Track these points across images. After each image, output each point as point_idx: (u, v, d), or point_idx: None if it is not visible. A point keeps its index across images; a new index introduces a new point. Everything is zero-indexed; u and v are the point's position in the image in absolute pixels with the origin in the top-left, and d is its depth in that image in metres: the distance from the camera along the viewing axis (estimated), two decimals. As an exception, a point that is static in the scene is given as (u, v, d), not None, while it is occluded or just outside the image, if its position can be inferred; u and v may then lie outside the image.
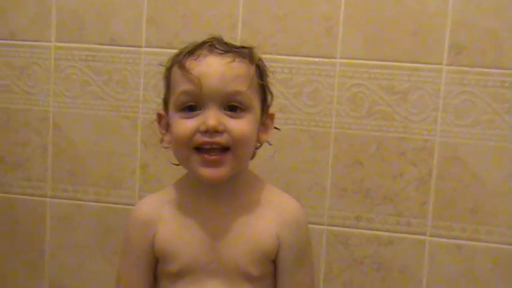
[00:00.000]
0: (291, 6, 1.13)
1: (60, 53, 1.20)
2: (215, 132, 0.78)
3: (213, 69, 0.78)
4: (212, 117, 0.78)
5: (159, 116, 0.86)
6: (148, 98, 1.18)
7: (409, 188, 1.12)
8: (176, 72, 0.81)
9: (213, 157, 0.79)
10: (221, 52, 0.80)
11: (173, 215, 0.84)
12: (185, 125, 0.79)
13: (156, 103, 1.17)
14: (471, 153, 1.10)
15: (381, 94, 1.11)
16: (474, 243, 1.11)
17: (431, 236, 1.12)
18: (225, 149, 0.79)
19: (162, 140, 0.87)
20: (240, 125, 0.79)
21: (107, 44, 1.19)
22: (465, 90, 1.09)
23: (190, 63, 0.79)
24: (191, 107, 0.79)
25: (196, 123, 0.79)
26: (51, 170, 1.23)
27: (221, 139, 0.78)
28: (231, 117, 0.79)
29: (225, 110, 0.79)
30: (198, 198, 0.84)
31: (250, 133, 0.81)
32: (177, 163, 0.85)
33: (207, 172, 0.79)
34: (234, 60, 0.79)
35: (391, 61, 1.10)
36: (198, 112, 0.79)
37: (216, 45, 0.81)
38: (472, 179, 1.10)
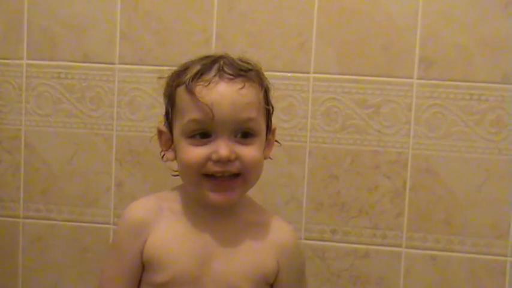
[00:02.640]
0: (264, 21, 1.14)
1: (32, 71, 1.19)
2: (227, 162, 0.78)
3: (224, 97, 0.78)
4: (224, 146, 0.78)
5: (160, 132, 0.86)
6: (123, 115, 1.17)
7: (384, 200, 1.13)
8: (184, 96, 0.80)
9: (224, 183, 0.79)
10: (231, 77, 0.79)
11: (169, 222, 0.83)
12: (196, 152, 0.79)
13: (130, 120, 1.17)
14: (443, 165, 1.12)
15: (354, 108, 1.13)
16: (448, 253, 1.13)
17: (406, 247, 1.13)
18: (235, 174, 0.80)
19: (162, 156, 0.86)
20: (251, 152, 0.80)
21: (80, 61, 1.18)
22: (436, 103, 1.11)
23: (200, 90, 0.78)
24: (201, 134, 0.79)
25: (207, 151, 0.78)
26: (24, 189, 1.21)
27: (232, 168, 0.79)
28: (242, 144, 0.80)
29: (235, 137, 0.79)
30: (196, 210, 0.84)
31: (260, 158, 0.82)
32: (174, 175, 0.86)
33: (217, 197, 0.80)
34: (244, 86, 0.79)
35: (364, 75, 1.12)
36: (208, 139, 0.79)
37: (224, 68, 0.80)
38: (445, 191, 1.12)
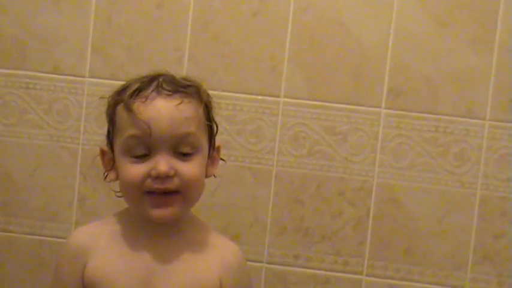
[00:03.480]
0: (237, 43, 1.14)
1: (-1, 80, 1.17)
2: (167, 178, 0.77)
3: (162, 113, 0.78)
4: (163, 163, 0.77)
5: (103, 152, 0.85)
6: (90, 130, 1.16)
7: (347, 227, 1.14)
8: (122, 113, 0.80)
9: (164, 200, 0.79)
10: (169, 93, 0.79)
11: (109, 246, 0.82)
12: (135, 170, 0.78)
13: (97, 134, 1.16)
14: (407, 194, 1.13)
15: (322, 134, 1.14)
16: (408, 283, 1.13)
17: (367, 275, 1.14)
18: (174, 191, 0.79)
19: (105, 177, 0.86)
20: (191, 169, 0.79)
21: (49, 72, 1.16)
22: (402, 134, 1.13)
23: (138, 106, 0.78)
24: (140, 151, 0.79)
25: (146, 168, 0.78)
26: (-17, 200, 1.18)
27: (171, 185, 0.78)
28: (182, 160, 0.79)
29: (174, 152, 0.79)
30: (138, 232, 0.83)
31: (200, 175, 0.81)
32: (119, 196, 0.85)
33: (158, 212, 0.79)
34: (182, 102, 0.79)
35: (333, 102, 1.13)
36: (148, 157, 0.78)
37: (163, 85, 0.80)
38: (407, 220, 1.13)
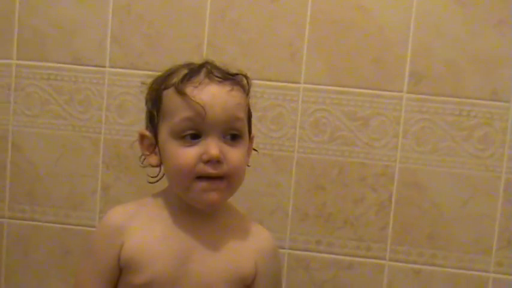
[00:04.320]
0: (256, 30, 1.13)
1: (21, 71, 1.18)
2: (217, 162, 0.79)
3: (216, 98, 0.79)
4: (214, 146, 0.79)
5: (142, 137, 0.86)
6: (111, 119, 1.17)
7: (369, 212, 1.14)
8: (173, 97, 0.81)
9: (213, 184, 0.80)
10: (220, 80, 0.81)
11: (146, 225, 0.83)
12: (187, 154, 0.79)
13: (119, 124, 1.17)
14: (430, 179, 1.12)
15: (343, 120, 1.13)
16: (431, 268, 1.13)
17: (390, 260, 1.14)
18: (221, 177, 0.81)
19: (143, 161, 0.87)
20: (237, 155, 0.81)
21: (70, 63, 1.17)
22: (424, 118, 1.11)
23: (192, 91, 0.79)
24: (192, 135, 0.80)
25: (197, 152, 0.79)
26: (9, 190, 1.20)
27: (221, 170, 0.80)
28: (229, 145, 0.81)
29: (224, 138, 0.80)
30: (175, 214, 0.84)
31: (244, 162, 0.84)
32: (152, 182, 0.87)
33: (207, 198, 0.80)
34: (233, 89, 0.81)
35: (353, 87, 1.12)
36: (198, 140, 0.80)
37: (213, 71, 0.82)
38: (430, 205, 1.12)
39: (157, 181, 0.88)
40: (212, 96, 0.79)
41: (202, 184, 0.80)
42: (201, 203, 0.81)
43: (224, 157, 0.79)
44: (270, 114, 1.14)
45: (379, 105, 1.12)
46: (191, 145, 0.80)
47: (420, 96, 1.11)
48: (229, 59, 1.14)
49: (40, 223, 1.20)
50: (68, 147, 1.18)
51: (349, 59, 1.12)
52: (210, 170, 0.79)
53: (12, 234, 1.21)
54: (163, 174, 0.87)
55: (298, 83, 1.13)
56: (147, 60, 1.15)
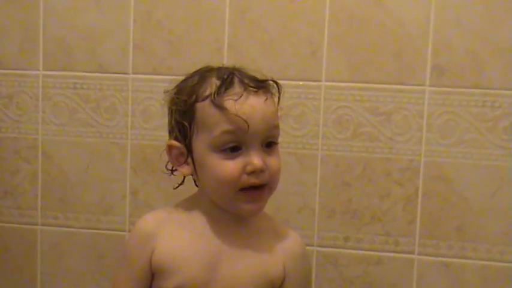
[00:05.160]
0: (275, 30, 1.14)
1: (48, 81, 1.21)
2: (260, 172, 0.80)
3: (256, 110, 0.80)
4: (258, 157, 0.80)
5: (170, 148, 0.86)
6: (137, 124, 1.19)
7: (396, 207, 1.14)
8: (210, 110, 0.81)
9: (257, 194, 0.82)
10: (255, 90, 0.82)
11: (176, 231, 0.85)
12: (230, 167, 0.80)
13: (144, 129, 1.19)
14: (456, 172, 1.11)
15: (366, 116, 1.13)
16: (461, 260, 1.13)
17: (419, 254, 1.14)
18: (262, 185, 0.82)
19: (172, 171, 0.89)
20: (275, 161, 0.83)
21: (95, 72, 1.20)
22: (448, 111, 1.11)
23: (232, 105, 0.79)
24: (233, 148, 0.81)
25: (241, 164, 0.80)
26: (41, 197, 1.23)
27: (264, 179, 0.81)
28: (267, 153, 0.82)
29: (262, 147, 0.82)
30: (204, 218, 0.86)
31: (281, 167, 0.85)
32: (175, 187, 0.89)
33: (250, 208, 0.82)
34: (267, 98, 0.82)
35: (375, 83, 1.12)
36: (238, 152, 0.81)
37: (245, 81, 0.82)
38: (457, 198, 1.12)
39: (180, 185, 0.90)
40: (252, 109, 0.80)
41: (247, 195, 0.81)
42: (245, 212, 0.83)
43: (266, 166, 0.81)
44: (293, 113, 1.15)
45: (401, 99, 1.12)
46: (233, 157, 0.80)
47: (443, 89, 1.11)
48: (250, 60, 1.15)
49: (73, 229, 1.23)
50: (96, 154, 1.21)
51: (369, 54, 1.12)
52: (254, 180, 0.80)
53: (46, 240, 1.24)
54: (183, 180, 0.89)
55: (320, 81, 1.14)
56: (169, 65, 1.17)
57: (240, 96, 0.80)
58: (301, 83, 1.14)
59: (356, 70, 1.13)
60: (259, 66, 1.14)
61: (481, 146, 1.11)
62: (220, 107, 0.80)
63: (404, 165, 1.13)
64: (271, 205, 1.13)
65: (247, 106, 0.80)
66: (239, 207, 0.82)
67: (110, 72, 1.19)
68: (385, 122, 1.13)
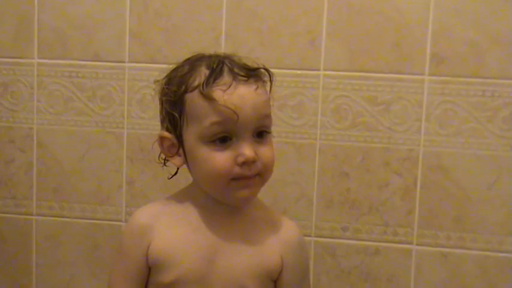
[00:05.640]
0: (273, 19, 1.13)
1: (43, 70, 1.19)
2: (252, 163, 0.79)
3: (245, 100, 0.78)
4: (249, 148, 0.78)
5: (162, 139, 0.84)
6: (133, 114, 1.18)
7: (394, 197, 1.13)
8: (199, 101, 0.79)
9: (248, 183, 0.80)
10: (245, 79, 0.79)
11: (171, 224, 0.84)
12: (221, 158, 0.79)
13: (141, 118, 1.18)
14: (454, 161, 1.11)
15: (365, 105, 1.12)
16: (460, 250, 1.12)
17: (417, 244, 1.13)
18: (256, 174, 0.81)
19: (164, 159, 0.87)
20: (268, 151, 0.81)
21: (90, 60, 1.18)
22: (447, 100, 1.10)
23: (221, 95, 0.77)
24: (222, 138, 0.79)
25: (232, 155, 0.79)
26: (37, 187, 1.22)
27: (256, 169, 0.79)
28: (259, 143, 0.80)
29: (253, 137, 0.80)
30: (200, 210, 0.84)
31: (274, 157, 0.83)
32: (170, 177, 0.88)
33: (242, 197, 0.81)
34: (258, 86, 0.80)
35: (374, 72, 1.11)
36: (228, 143, 0.79)
37: (235, 70, 0.80)
38: (456, 188, 1.11)
39: (174, 175, 0.88)
40: (242, 99, 0.78)
41: (238, 184, 0.80)
42: (236, 200, 0.81)
43: (258, 156, 0.79)
44: (291, 103, 1.14)
45: (400, 89, 1.11)
46: (224, 148, 0.79)
47: (442, 78, 1.10)
48: (248, 49, 1.14)
49: (68, 219, 1.22)
50: (92, 143, 1.20)
51: (368, 43, 1.11)
52: (246, 171, 0.79)
53: (41, 231, 1.23)
54: (177, 170, 0.88)
55: (318, 70, 1.13)
56: (166, 54, 1.16)
57: (229, 87, 0.78)
58: (299, 72, 1.13)
59: (355, 59, 1.12)
60: (256, 55, 1.14)
61: (480, 135, 1.10)
62: (209, 98, 0.78)
63: (403, 155, 1.12)
64: (269, 195, 1.14)
65: (236, 96, 0.78)
66: (232, 197, 0.81)
67: (106, 61, 1.18)
68: (384, 112, 1.12)
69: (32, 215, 1.23)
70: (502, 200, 1.10)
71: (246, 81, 0.79)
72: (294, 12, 1.12)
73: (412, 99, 1.11)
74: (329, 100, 1.13)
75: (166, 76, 0.85)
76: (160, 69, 1.12)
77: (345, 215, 1.15)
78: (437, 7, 1.09)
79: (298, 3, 1.12)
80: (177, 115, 0.82)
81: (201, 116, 0.79)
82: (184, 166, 0.85)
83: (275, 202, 1.14)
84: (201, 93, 0.78)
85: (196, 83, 0.79)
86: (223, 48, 1.14)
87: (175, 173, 0.89)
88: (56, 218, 1.22)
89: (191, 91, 0.80)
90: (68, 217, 1.22)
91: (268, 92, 0.84)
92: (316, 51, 1.13)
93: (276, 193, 1.14)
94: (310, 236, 1.15)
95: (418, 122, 1.11)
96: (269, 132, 0.83)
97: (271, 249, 0.84)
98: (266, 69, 0.84)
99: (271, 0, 1.13)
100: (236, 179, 0.79)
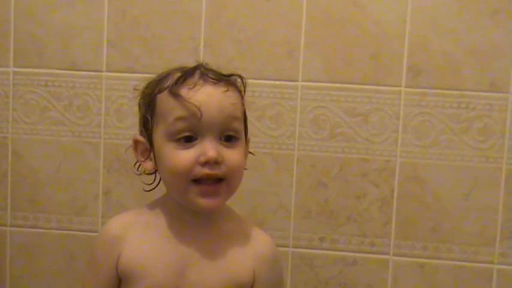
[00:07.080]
0: (252, 29, 1.13)
1: (18, 79, 1.18)
2: (215, 164, 0.77)
3: (211, 98, 0.78)
4: (212, 148, 0.77)
5: (136, 142, 0.84)
6: (110, 123, 1.17)
7: (371, 208, 1.14)
8: (167, 99, 0.79)
9: (211, 187, 0.79)
10: (214, 81, 0.80)
11: (143, 235, 0.83)
12: (183, 156, 0.78)
13: (118, 128, 1.17)
14: (431, 173, 1.12)
15: (343, 116, 1.13)
16: (436, 261, 1.13)
17: (394, 255, 1.14)
18: (219, 179, 0.79)
19: (139, 167, 0.86)
20: (235, 156, 0.80)
21: (67, 69, 1.17)
22: (423, 112, 1.11)
23: (186, 92, 0.78)
24: (187, 138, 0.78)
25: (194, 154, 0.78)
26: (11, 197, 1.20)
27: (219, 171, 0.78)
28: (227, 147, 0.80)
29: (220, 139, 0.79)
30: (172, 222, 0.84)
31: (243, 163, 0.82)
32: (148, 190, 0.86)
33: (205, 202, 0.79)
34: (228, 89, 0.80)
35: (352, 83, 1.12)
36: (194, 142, 0.78)
37: (207, 73, 0.81)
38: (432, 198, 1.12)
39: (154, 189, 0.87)
40: (207, 96, 0.78)
41: (200, 188, 0.79)
42: (199, 207, 0.80)
43: (222, 158, 0.78)
44: (269, 113, 1.14)
45: (378, 100, 1.12)
46: (187, 147, 0.78)
47: (418, 90, 1.11)
48: (227, 60, 1.14)
49: (43, 230, 1.20)
50: (68, 153, 1.18)
51: (346, 55, 1.12)
52: (207, 171, 0.77)
53: (16, 242, 1.21)
54: (159, 181, 0.87)
55: (296, 80, 1.13)
56: (144, 63, 1.15)
57: (195, 85, 0.78)
58: (277, 82, 1.13)
59: (333, 70, 1.12)
60: (235, 66, 1.14)
61: (456, 147, 1.11)
62: (175, 95, 0.78)
63: (380, 166, 1.13)
64: (247, 205, 1.14)
65: (202, 94, 0.78)
66: (194, 202, 0.79)
67: (83, 70, 1.16)
68: (362, 123, 1.13)
69: (6, 225, 1.20)
70: (478, 211, 1.11)
71: (216, 83, 0.80)
72: (273, 23, 1.13)
73: (389, 110, 1.12)
74: (307, 111, 1.13)
75: (147, 82, 0.86)
76: (138, 79, 1.12)
77: (322, 225, 1.15)
78: (414, 20, 1.10)
79: (277, 14, 1.12)
80: (149, 117, 0.82)
81: (167, 112, 0.79)
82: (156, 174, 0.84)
83: (253, 212, 1.14)
84: (170, 92, 0.79)
85: (167, 84, 0.80)
86: (202, 58, 1.13)
87: (154, 188, 0.87)
88: (31, 229, 1.20)
89: (162, 92, 0.81)
90: (43, 228, 1.20)
91: (241, 98, 0.83)
92: (295, 62, 1.13)
93: (253, 203, 1.14)
94: (288, 246, 1.15)
95: (395, 133, 1.12)
96: (238, 138, 0.81)
97: (243, 262, 0.83)
98: (239, 76, 0.84)
99: (250, 10, 1.13)
100: (197, 181, 0.78)
